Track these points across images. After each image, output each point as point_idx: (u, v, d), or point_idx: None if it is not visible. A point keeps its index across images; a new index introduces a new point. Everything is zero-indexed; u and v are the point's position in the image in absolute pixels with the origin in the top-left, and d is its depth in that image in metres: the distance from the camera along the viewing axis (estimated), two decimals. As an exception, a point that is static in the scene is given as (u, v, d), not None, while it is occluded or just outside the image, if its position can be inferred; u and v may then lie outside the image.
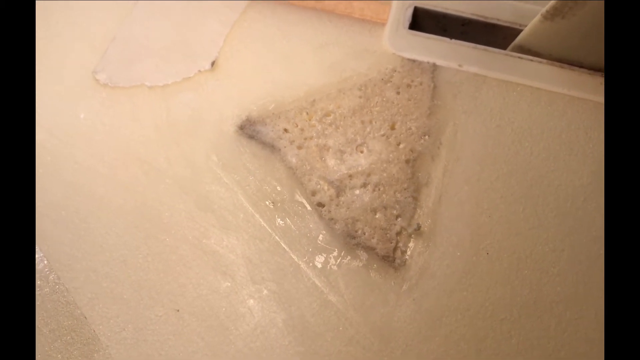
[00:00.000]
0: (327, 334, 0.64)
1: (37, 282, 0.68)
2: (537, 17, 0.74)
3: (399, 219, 0.69)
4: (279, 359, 0.63)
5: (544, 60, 0.78)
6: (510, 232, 0.68)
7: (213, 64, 0.82)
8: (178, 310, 0.66)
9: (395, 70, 0.79)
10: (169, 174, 0.74)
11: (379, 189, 0.71)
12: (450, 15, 0.85)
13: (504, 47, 0.81)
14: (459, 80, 0.78)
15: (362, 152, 0.74)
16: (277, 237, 0.69)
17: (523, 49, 0.79)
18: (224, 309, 0.65)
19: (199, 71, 0.82)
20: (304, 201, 0.71)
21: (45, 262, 0.69)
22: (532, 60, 0.79)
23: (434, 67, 0.79)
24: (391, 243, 0.68)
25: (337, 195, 0.71)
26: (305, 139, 0.75)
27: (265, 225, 0.70)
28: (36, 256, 0.69)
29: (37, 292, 0.67)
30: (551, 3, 0.71)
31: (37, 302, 0.67)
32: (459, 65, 0.79)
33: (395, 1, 0.85)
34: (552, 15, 0.72)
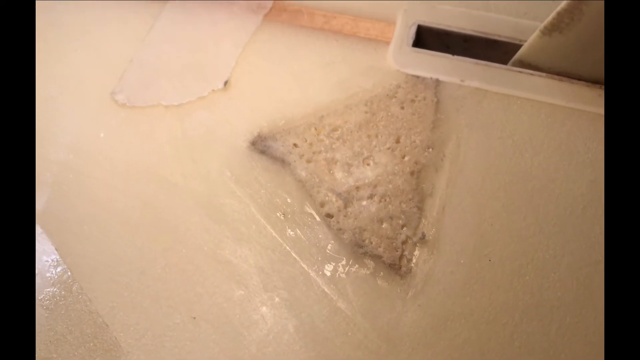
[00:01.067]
0: (336, 339, 0.67)
1: (62, 293, 0.72)
2: (536, 33, 0.77)
3: (405, 229, 0.72)
4: (291, 363, 0.66)
5: (544, 74, 0.81)
6: (512, 239, 0.70)
7: (226, 83, 0.86)
8: (194, 318, 0.69)
9: (399, 86, 0.83)
10: (185, 189, 0.78)
11: (385, 200, 0.74)
12: (453, 32, 0.88)
13: (505, 62, 0.84)
14: (462, 95, 0.81)
15: (368, 164, 0.77)
16: (287, 247, 0.72)
17: (523, 64, 0.82)
18: (237, 316, 0.69)
19: (213, 90, 0.86)
20: (313, 212, 0.75)
21: (69, 273, 0.73)
22: (532, 74, 0.81)
23: (437, 82, 0.82)
24: (397, 251, 0.71)
25: (345, 207, 0.75)
26: (314, 153, 0.79)
27: (276, 236, 0.73)
28: (60, 268, 0.73)
29: (61, 302, 0.71)
30: (549, 19, 0.74)
31: (62, 311, 0.71)
32: (461, 81, 0.82)
33: (400, 20, 0.89)
34: (549, 30, 0.75)
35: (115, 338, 0.69)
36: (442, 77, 0.83)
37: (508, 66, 0.83)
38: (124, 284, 0.72)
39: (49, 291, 0.72)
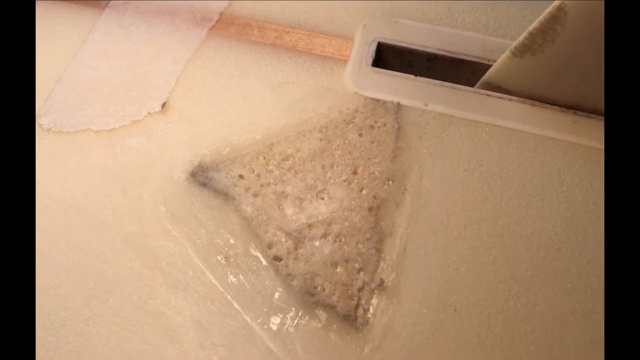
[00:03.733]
0: (282, 404, 0.59)
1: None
2: (506, 53, 0.70)
3: (361, 273, 0.65)
4: None
5: (514, 98, 0.74)
6: (480, 285, 0.63)
7: (164, 105, 0.77)
8: (120, 381, 0.60)
9: (357, 111, 0.75)
10: (115, 227, 0.69)
11: (340, 240, 0.67)
12: (416, 50, 0.80)
13: (472, 84, 0.77)
14: (425, 121, 0.74)
15: (322, 199, 0.69)
16: (229, 297, 0.64)
17: (492, 86, 0.75)
18: (170, 379, 0.60)
19: (149, 113, 0.77)
20: (259, 255, 0.66)
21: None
22: (501, 98, 0.75)
23: (399, 106, 0.75)
24: (353, 300, 0.63)
25: (296, 248, 0.66)
26: (262, 185, 0.71)
27: (216, 283, 0.65)
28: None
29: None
30: (520, 39, 0.67)
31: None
32: (425, 105, 0.75)
33: (358, 36, 0.81)
34: (520, 51, 0.68)
35: (27, 406, 0.60)
36: (404, 101, 0.75)
37: (475, 88, 0.76)
38: (40, 340, 0.63)
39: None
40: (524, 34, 0.66)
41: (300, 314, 0.63)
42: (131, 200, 0.70)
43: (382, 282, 0.64)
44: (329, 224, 0.68)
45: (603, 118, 0.72)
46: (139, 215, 0.69)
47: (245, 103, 0.77)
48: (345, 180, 0.70)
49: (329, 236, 0.67)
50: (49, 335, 0.63)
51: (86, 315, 0.64)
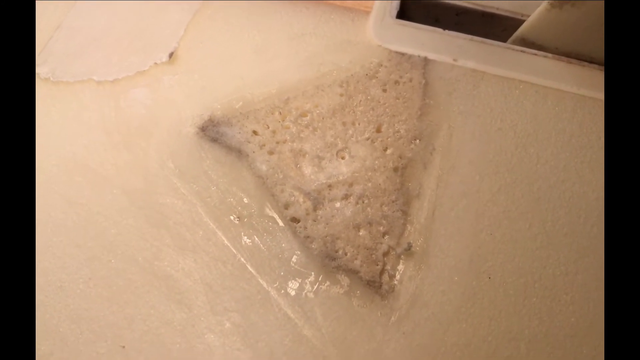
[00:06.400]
0: (301, 375, 0.54)
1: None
2: (543, 5, 0.64)
3: (387, 237, 0.59)
4: (243, 408, 0.53)
5: (550, 55, 0.69)
6: (516, 252, 0.58)
7: (171, 55, 0.71)
8: (124, 347, 0.55)
9: (381, 65, 0.69)
10: (118, 183, 0.63)
11: (363, 202, 0.61)
12: (443, 3, 0.75)
13: (504, 40, 0.71)
14: (454, 77, 0.68)
15: (343, 158, 0.64)
16: (242, 259, 0.59)
17: (526, 42, 0.70)
18: (177, 346, 0.55)
19: (155, 64, 0.71)
20: (276, 216, 0.61)
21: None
22: (536, 55, 0.69)
23: (426, 61, 0.69)
24: (377, 265, 0.58)
25: (315, 209, 0.61)
26: (278, 142, 0.65)
27: (228, 244, 0.59)
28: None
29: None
30: (560, -11, 0.62)
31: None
32: (454, 60, 0.69)
33: (381, -13, 0.75)
34: (560, 2, 0.63)
35: (21, 373, 0.54)
36: (431, 55, 0.70)
37: (508, 44, 0.70)
38: (38, 302, 0.57)
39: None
40: (567, -19, 0.61)
41: (320, 278, 0.58)
42: (135, 156, 0.65)
43: (409, 246, 0.58)
44: (351, 185, 0.62)
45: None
46: (144, 171, 0.64)
47: (259, 55, 0.71)
48: (367, 139, 0.65)
49: (351, 197, 0.62)
50: (46, 297, 0.58)
51: (86, 277, 0.58)
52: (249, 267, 0.58)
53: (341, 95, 0.68)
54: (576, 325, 0.55)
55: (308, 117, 0.67)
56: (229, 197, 0.62)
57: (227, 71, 0.70)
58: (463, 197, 0.61)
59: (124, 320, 0.56)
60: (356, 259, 0.58)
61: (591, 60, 0.68)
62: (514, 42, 0.71)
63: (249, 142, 0.65)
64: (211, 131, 0.66)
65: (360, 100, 0.67)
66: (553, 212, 0.60)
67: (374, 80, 0.68)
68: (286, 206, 0.61)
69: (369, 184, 0.62)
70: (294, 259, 0.59)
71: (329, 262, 0.58)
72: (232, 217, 0.61)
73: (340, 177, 0.63)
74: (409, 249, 0.59)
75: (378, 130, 0.65)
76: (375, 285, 0.57)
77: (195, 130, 0.66)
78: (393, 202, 0.61)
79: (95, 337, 0.56)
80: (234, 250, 0.59)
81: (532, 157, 0.63)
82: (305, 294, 0.57)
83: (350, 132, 0.65)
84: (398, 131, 0.65)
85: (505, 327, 0.55)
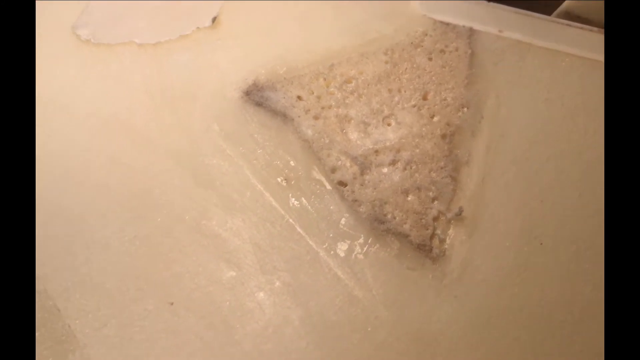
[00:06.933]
0: (352, 335, 0.53)
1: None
2: (590, -21, 0.64)
3: (436, 202, 0.59)
4: (295, 366, 0.52)
5: (596, 29, 0.68)
6: (567, 219, 0.58)
7: (214, 20, 0.70)
8: (172, 304, 0.54)
9: (426, 34, 0.69)
10: (162, 144, 0.63)
11: (411, 167, 0.61)
12: (487, -24, 0.74)
13: (547, 14, 0.71)
14: (500, 48, 0.68)
15: (389, 124, 0.63)
16: (291, 220, 0.58)
17: (571, 16, 0.69)
18: (227, 304, 0.54)
19: (198, 28, 0.70)
20: (323, 179, 0.60)
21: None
22: (582, 29, 0.68)
23: (471, 31, 0.69)
24: (427, 230, 0.57)
25: (362, 174, 0.60)
26: (323, 108, 0.64)
27: (276, 205, 0.59)
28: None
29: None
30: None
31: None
32: (499, 31, 0.69)
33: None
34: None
35: (69, 326, 0.53)
36: (476, 26, 0.69)
37: (553, 17, 0.70)
38: (83, 259, 0.57)
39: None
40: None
41: (370, 241, 0.57)
42: (180, 118, 0.64)
43: (460, 211, 0.58)
44: (398, 151, 0.62)
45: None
46: (189, 133, 0.63)
47: (303, 22, 0.71)
48: (414, 106, 0.64)
49: (398, 163, 0.61)
50: (91, 254, 0.57)
51: (131, 235, 0.58)
52: (297, 228, 0.58)
53: (386, 62, 0.67)
54: (629, 292, 0.54)
55: (353, 84, 0.66)
56: (275, 160, 0.61)
57: (270, 37, 0.69)
58: (512, 164, 0.61)
59: (172, 278, 0.55)
60: (405, 223, 0.58)
61: (637, 35, 0.68)
62: (558, 16, 0.70)
63: (294, 107, 0.64)
64: (255, 95, 0.65)
65: (406, 68, 0.67)
66: (603, 182, 0.60)
67: (419, 49, 0.68)
68: (333, 170, 0.61)
69: (417, 150, 0.62)
70: (342, 221, 0.58)
71: (378, 225, 0.58)
72: (279, 179, 0.60)
73: (387, 143, 0.62)
74: (460, 214, 0.58)
75: (424, 98, 0.65)
76: (425, 249, 0.56)
77: (240, 94, 0.65)
78: (442, 168, 0.61)
79: (142, 294, 0.55)
80: (282, 212, 0.58)
81: (580, 128, 0.63)
82: (355, 255, 0.56)
83: (396, 99, 0.65)
84: (445, 99, 0.65)
85: (559, 293, 0.54)
